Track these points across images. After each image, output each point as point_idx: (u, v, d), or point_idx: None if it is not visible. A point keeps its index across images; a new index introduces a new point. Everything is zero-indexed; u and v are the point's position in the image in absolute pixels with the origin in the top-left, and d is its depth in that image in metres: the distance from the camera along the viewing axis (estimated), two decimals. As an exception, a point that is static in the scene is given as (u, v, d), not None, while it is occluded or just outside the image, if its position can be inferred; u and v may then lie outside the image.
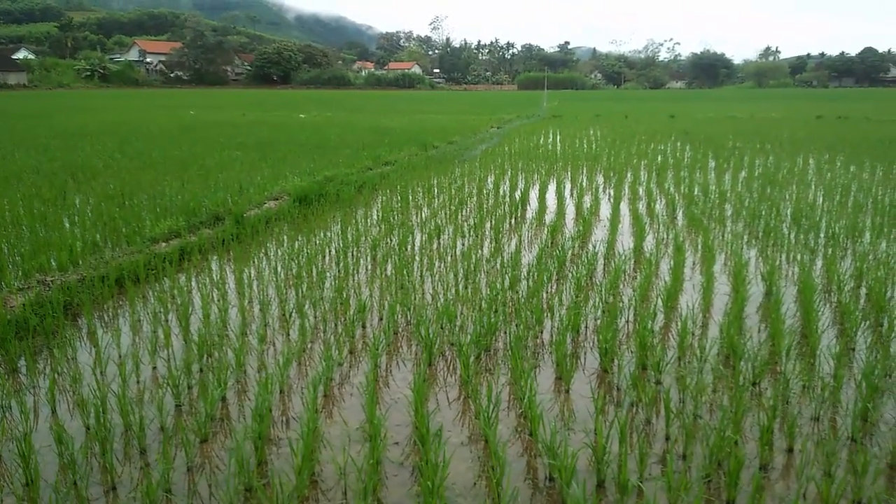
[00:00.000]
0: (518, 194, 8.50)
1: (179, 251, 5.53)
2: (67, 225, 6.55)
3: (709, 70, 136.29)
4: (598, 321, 4.06)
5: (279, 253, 5.73)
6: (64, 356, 3.61)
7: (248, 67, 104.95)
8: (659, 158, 12.54)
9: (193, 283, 4.92)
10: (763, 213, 7.17)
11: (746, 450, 2.74)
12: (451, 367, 3.56)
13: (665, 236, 6.33)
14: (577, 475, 2.50)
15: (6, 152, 12.43)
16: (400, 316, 4.14)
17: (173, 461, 2.61)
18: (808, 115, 27.07)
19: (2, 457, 2.66)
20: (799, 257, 5.67)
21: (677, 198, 8.37)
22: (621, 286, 4.75)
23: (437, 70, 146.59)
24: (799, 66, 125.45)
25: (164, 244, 5.83)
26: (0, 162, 10.96)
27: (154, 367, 3.51)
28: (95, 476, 2.54)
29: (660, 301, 4.27)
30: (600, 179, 10.10)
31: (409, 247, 5.84)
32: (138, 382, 3.33)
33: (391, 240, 6.20)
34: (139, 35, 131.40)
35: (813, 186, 9.13)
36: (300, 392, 3.25)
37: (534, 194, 8.65)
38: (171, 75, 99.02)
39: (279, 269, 5.29)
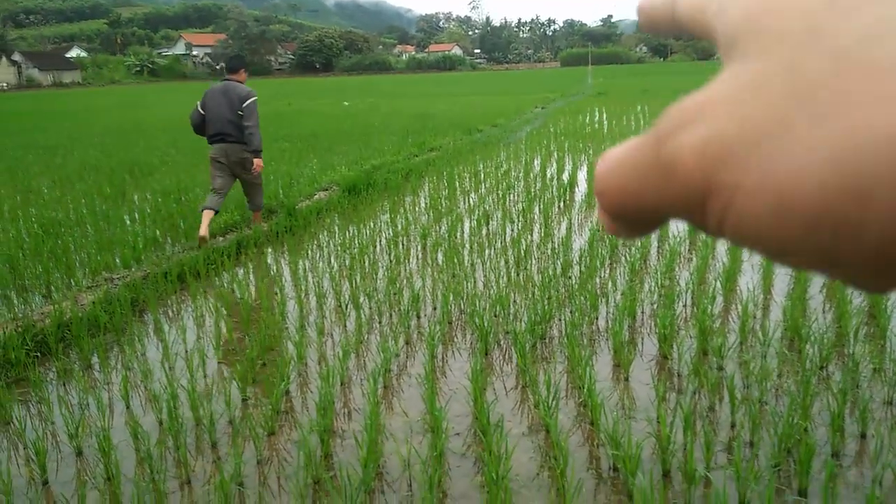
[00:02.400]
0: (566, 176, 8.41)
1: (236, 245, 5.67)
2: (128, 221, 6.79)
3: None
4: (655, 306, 4.01)
5: (331, 244, 5.81)
6: (133, 352, 3.75)
7: (291, 56, 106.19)
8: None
9: (251, 277, 5.05)
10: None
11: (816, 436, 2.68)
12: (506, 356, 3.57)
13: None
14: (642, 465, 2.49)
15: (66, 150, 12.92)
16: (453, 305, 4.17)
17: (243, 455, 2.70)
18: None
19: (83, 452, 2.79)
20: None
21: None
22: (677, 269, 4.67)
23: (478, 50, 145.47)
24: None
25: (221, 238, 5.99)
26: (61, 160, 11.40)
27: (219, 362, 3.62)
28: (171, 470, 2.65)
29: (718, 283, 4.18)
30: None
31: (458, 234, 5.85)
32: (205, 377, 3.45)
33: (440, 227, 6.22)
34: (185, 28, 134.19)
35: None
36: (360, 384, 3.31)
37: (582, 176, 8.54)
38: (217, 67, 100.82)
39: (332, 260, 5.37)
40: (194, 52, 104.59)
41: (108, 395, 3.29)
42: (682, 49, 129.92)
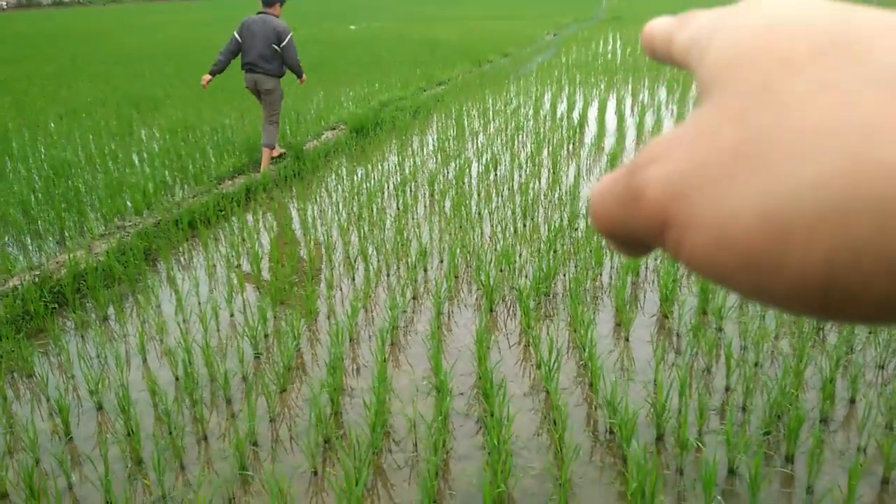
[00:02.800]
0: (576, 115, 8.30)
1: (245, 190, 5.70)
2: (137, 162, 6.81)
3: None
4: (658, 261, 4.05)
5: (340, 189, 5.83)
6: (148, 303, 3.86)
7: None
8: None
9: (261, 224, 5.10)
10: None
11: (807, 399, 2.77)
12: (511, 312, 3.66)
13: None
14: (637, 428, 2.60)
15: (71, 80, 12.77)
16: (460, 259, 4.23)
17: (256, 411, 2.83)
18: None
19: (103, 406, 2.93)
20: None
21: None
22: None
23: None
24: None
25: (229, 182, 6.01)
26: (66, 93, 11.29)
27: (231, 315, 3.73)
28: (188, 426, 2.79)
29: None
30: (663, 94, 9.71)
31: (465, 180, 5.84)
32: (218, 331, 3.56)
33: (447, 172, 6.21)
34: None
35: None
36: (368, 339, 3.41)
37: (592, 114, 8.41)
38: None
39: (340, 206, 5.41)
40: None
41: (125, 349, 3.41)
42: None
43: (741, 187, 0.17)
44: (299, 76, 6.35)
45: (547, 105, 9.07)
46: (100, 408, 2.92)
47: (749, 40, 0.19)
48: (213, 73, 6.20)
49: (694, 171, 0.18)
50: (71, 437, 2.75)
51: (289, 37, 5.99)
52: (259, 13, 6.03)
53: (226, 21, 32.18)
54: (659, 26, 0.26)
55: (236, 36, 6.01)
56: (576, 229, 4.69)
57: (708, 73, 0.20)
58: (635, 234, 0.21)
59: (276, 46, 5.95)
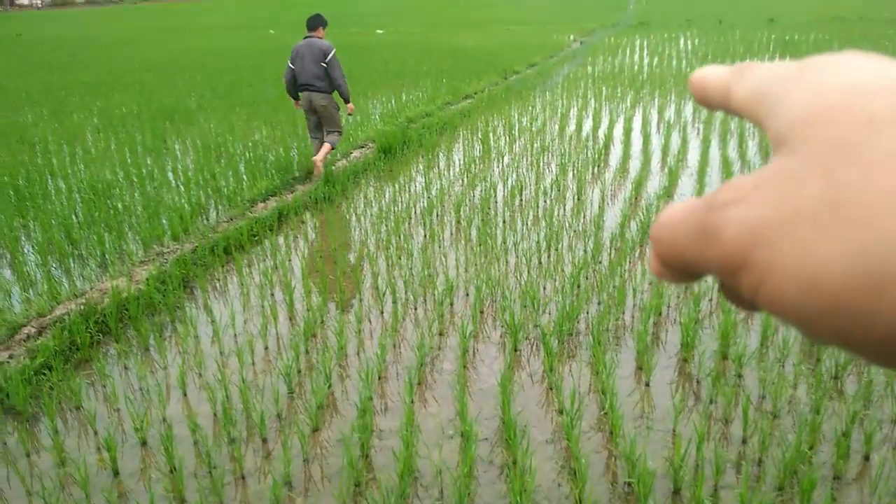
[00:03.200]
0: (602, 134, 8.36)
1: (277, 214, 5.87)
2: (172, 180, 7.03)
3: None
4: (680, 303, 4.13)
5: (368, 214, 5.98)
6: (187, 334, 4.04)
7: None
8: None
9: (292, 251, 5.27)
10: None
11: (822, 452, 2.85)
12: (534, 351, 3.77)
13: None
14: (656, 480, 2.70)
15: (107, 90, 13.12)
16: (486, 295, 4.35)
17: (290, 451, 2.98)
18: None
19: (147, 442, 3.11)
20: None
21: (771, 136, 8.01)
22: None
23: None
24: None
25: (261, 205, 6.20)
26: (103, 102, 11.61)
27: (266, 348, 3.89)
28: (227, 464, 2.95)
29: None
30: (689, 111, 9.72)
31: (491, 207, 5.96)
32: (253, 364, 3.72)
33: (473, 195, 6.33)
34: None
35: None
36: (396, 378, 3.55)
37: (618, 133, 8.47)
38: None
39: (369, 231, 5.56)
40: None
41: (166, 381, 3.59)
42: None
43: (833, 238, 0.17)
44: (346, 101, 6.80)
45: (572, 123, 9.14)
46: (144, 443, 3.09)
47: (829, 97, 0.20)
48: (294, 98, 6.88)
49: (780, 218, 0.19)
50: (117, 472, 2.93)
51: (332, 53, 6.54)
52: (305, 38, 6.65)
53: (246, 28, 32.63)
54: (713, 77, 0.27)
55: (290, 64, 6.63)
56: (599, 262, 4.78)
57: (785, 126, 0.21)
58: (699, 268, 0.22)
59: (323, 64, 6.50)
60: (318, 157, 6.79)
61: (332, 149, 6.96)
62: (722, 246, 0.20)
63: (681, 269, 0.23)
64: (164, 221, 5.77)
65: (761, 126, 0.23)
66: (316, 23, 6.67)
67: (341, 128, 7.00)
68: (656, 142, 8.05)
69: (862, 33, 19.09)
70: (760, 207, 0.19)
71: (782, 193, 0.19)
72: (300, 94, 6.70)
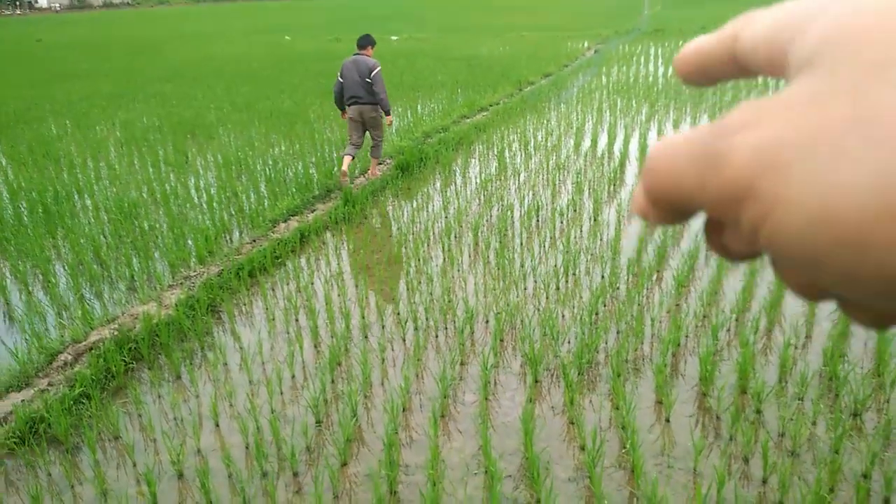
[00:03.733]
0: (617, 149, 8.42)
1: (299, 235, 5.99)
2: (196, 199, 7.17)
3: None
4: (699, 334, 4.20)
5: (388, 235, 6.09)
6: (217, 360, 4.16)
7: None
8: (771, 93, 11.82)
9: (315, 275, 5.38)
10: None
11: (843, 495, 2.92)
12: (555, 382, 3.85)
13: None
14: (676, 520, 2.78)
15: (128, 101, 13.33)
16: (506, 323, 4.43)
17: (321, 485, 3.08)
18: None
19: (184, 474, 3.22)
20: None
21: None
22: (724, 286, 4.81)
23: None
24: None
25: (283, 225, 6.32)
26: (125, 115, 11.81)
27: (293, 376, 4.00)
28: (259, 498, 3.06)
29: (763, 312, 4.33)
30: (704, 123, 9.73)
31: (508, 228, 6.04)
32: (282, 394, 3.83)
33: (490, 216, 6.42)
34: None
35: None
36: (420, 409, 3.65)
37: (633, 148, 8.53)
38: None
39: (390, 254, 5.66)
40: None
41: (198, 411, 3.70)
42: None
43: (857, 161, 0.16)
44: (387, 113, 7.37)
45: (588, 138, 9.20)
46: (180, 475, 3.21)
47: (864, 18, 0.18)
48: (341, 109, 7.58)
49: (798, 138, 0.17)
50: (156, 505, 3.04)
51: (377, 70, 7.20)
52: (354, 55, 7.37)
53: (262, 33, 32.88)
54: (707, 40, 0.26)
55: (339, 78, 7.37)
56: (616, 289, 4.85)
57: (810, 50, 0.19)
58: (693, 202, 0.20)
59: (368, 80, 7.17)
60: (371, 173, 7.73)
61: (379, 162, 7.87)
62: (728, 173, 0.19)
63: (672, 204, 0.21)
64: (189, 242, 5.91)
65: (776, 69, 0.22)
66: (365, 42, 7.41)
67: (384, 138, 7.79)
68: (672, 159, 8.09)
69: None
70: (777, 129, 0.18)
71: (804, 115, 0.18)
72: (347, 105, 7.35)
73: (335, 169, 7.81)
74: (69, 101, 13.63)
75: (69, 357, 4.10)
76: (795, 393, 3.57)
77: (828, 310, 4.44)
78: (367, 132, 7.53)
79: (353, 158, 7.47)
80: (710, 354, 3.76)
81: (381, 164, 8.22)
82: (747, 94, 11.86)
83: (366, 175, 7.89)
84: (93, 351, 4.14)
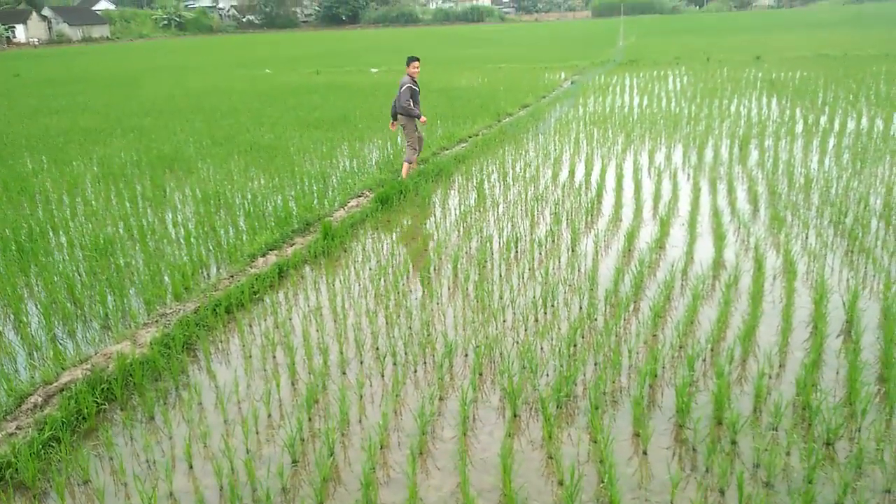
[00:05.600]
0: (594, 181, 8.52)
1: (278, 270, 5.96)
2: (173, 234, 7.13)
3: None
4: (676, 364, 4.23)
5: (367, 269, 6.08)
6: (191, 400, 4.10)
7: (317, 8, 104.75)
8: (742, 123, 12.10)
9: (293, 311, 5.35)
10: (850, 204, 6.99)
11: (817, 525, 2.93)
12: (533, 415, 3.84)
13: (746, 241, 6.30)
14: (654, 556, 2.76)
15: (106, 136, 13.28)
16: (484, 354, 4.43)
17: (297, 527, 3.03)
18: (911, 48, 25.01)
19: (157, 519, 3.16)
20: (886, 264, 5.60)
21: (760, 180, 8.20)
22: (700, 315, 4.86)
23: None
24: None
25: (261, 260, 6.29)
26: (102, 150, 11.76)
27: (269, 415, 3.95)
28: (235, 542, 3.00)
29: (737, 342, 4.38)
30: (678, 156, 9.92)
31: (487, 259, 6.07)
32: (257, 433, 3.78)
33: (470, 247, 6.45)
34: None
35: (909, 164, 8.69)
36: (398, 447, 3.61)
37: (610, 179, 8.64)
38: (244, 20, 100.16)
39: (369, 287, 5.65)
40: (220, 5, 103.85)
41: (172, 453, 3.64)
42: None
43: None
44: (418, 117, 8.89)
45: (565, 169, 9.31)
46: (152, 520, 3.14)
47: None
48: (393, 119, 9.21)
49: None
50: (127, 552, 2.97)
51: (404, 87, 8.80)
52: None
53: (243, 66, 33.04)
54: None
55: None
56: (594, 320, 4.88)
57: None
58: None
59: (399, 94, 8.84)
60: (404, 174, 8.91)
61: (410, 165, 9.04)
62: None
63: None
64: (166, 279, 5.86)
65: None
66: (407, 62, 9.01)
67: (419, 145, 9.17)
68: (648, 189, 8.22)
69: (846, 70, 19.53)
70: None
71: None
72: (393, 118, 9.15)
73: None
74: (46, 136, 13.56)
75: (39, 399, 4.02)
76: (770, 423, 3.60)
77: (800, 339, 4.50)
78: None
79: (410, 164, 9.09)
80: (687, 385, 3.78)
81: (414, 164, 9.19)
82: (721, 123, 12.11)
83: (398, 177, 9.08)
84: (64, 392, 4.07)
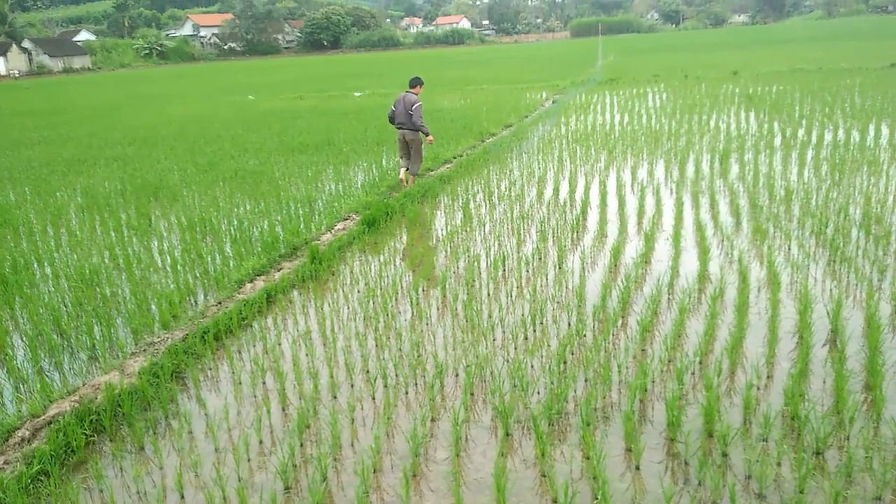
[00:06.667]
0: (578, 198, 8.60)
1: (266, 295, 5.95)
2: (160, 263, 7.10)
3: (773, 1, 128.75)
4: (665, 378, 4.26)
5: (355, 291, 6.09)
6: (182, 429, 4.07)
7: (299, 34, 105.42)
8: (722, 137, 12.29)
9: (282, 336, 5.33)
10: (830, 215, 7.11)
11: (810, 534, 2.95)
12: (526, 433, 3.85)
13: (729, 253, 6.38)
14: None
15: (89, 166, 13.23)
16: (475, 374, 4.44)
17: (292, 555, 3.01)
18: (880, 61, 25.60)
19: (149, 551, 3.12)
20: (868, 272, 5.69)
21: (741, 194, 8.32)
22: (687, 328, 4.90)
23: (486, 22, 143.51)
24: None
25: (249, 285, 6.28)
26: (86, 180, 11.71)
27: (261, 442, 3.93)
28: (229, 572, 2.97)
29: (724, 354, 4.42)
30: (660, 171, 10.05)
31: (475, 279, 6.10)
32: (249, 461, 3.75)
33: (457, 267, 6.48)
34: (191, 7, 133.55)
35: (884, 174, 8.87)
36: (391, 469, 3.60)
37: (594, 196, 8.73)
38: (225, 47, 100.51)
39: (357, 310, 5.66)
40: (202, 33, 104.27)
41: (162, 483, 3.60)
42: (694, 15, 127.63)
43: None
44: (426, 135, 9.63)
45: (549, 187, 9.40)
46: (144, 553, 3.10)
47: None
48: (392, 123, 9.92)
49: None
50: (119, 586, 2.93)
51: (416, 105, 9.55)
52: (405, 92, 9.79)
53: (225, 93, 33.09)
54: None
55: (392, 107, 9.84)
56: (583, 336, 4.91)
57: None
58: None
59: (410, 112, 9.50)
60: (409, 184, 9.82)
61: (416, 175, 9.94)
62: None
63: None
64: (153, 307, 5.83)
65: None
66: (413, 83, 9.86)
67: (423, 157, 10.18)
68: (631, 204, 8.31)
69: (821, 83, 19.92)
70: None
71: None
72: (397, 128, 9.77)
73: (390, 182, 10.03)
74: (28, 167, 13.49)
75: (27, 433, 3.97)
76: (759, 434, 3.63)
77: (787, 349, 4.55)
78: (409, 151, 9.78)
79: (407, 169, 9.87)
80: (676, 399, 3.81)
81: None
82: (701, 138, 12.29)
83: (406, 185, 9.91)
84: (52, 425, 4.02)
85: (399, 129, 9.71)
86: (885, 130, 11.89)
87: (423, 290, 5.98)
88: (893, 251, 6.12)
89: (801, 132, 12.32)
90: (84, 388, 4.50)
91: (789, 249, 6.39)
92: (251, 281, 6.41)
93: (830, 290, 5.46)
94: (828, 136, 11.71)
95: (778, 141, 11.70)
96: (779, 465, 3.40)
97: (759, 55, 34.86)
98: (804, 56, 31.45)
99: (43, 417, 4.14)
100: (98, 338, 5.33)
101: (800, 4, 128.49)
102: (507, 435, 3.83)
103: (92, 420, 4.10)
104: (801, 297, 5.12)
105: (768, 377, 4.22)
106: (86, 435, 3.97)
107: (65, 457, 3.82)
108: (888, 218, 6.96)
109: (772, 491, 3.22)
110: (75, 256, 7.36)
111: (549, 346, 4.83)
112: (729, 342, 4.51)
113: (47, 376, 4.80)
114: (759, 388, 4.09)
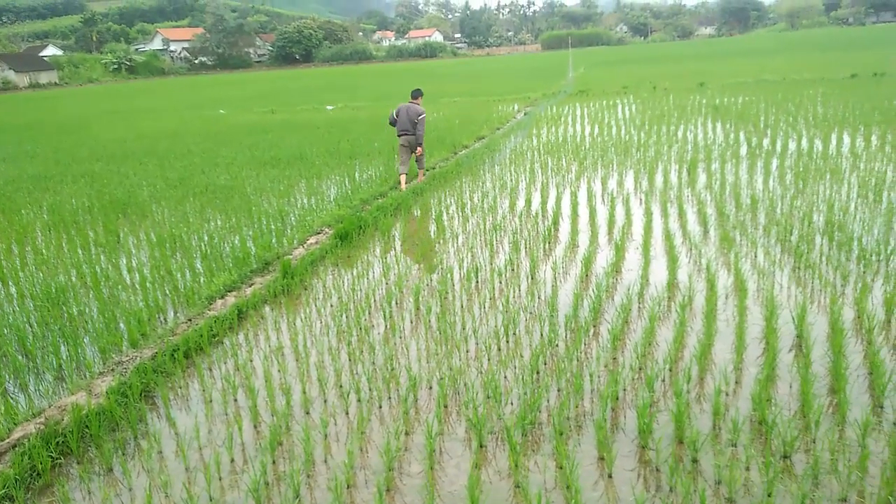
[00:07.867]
0: (550, 209, 8.68)
1: (237, 311, 5.89)
2: (128, 280, 6.99)
3: (738, 13, 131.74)
4: (636, 386, 4.31)
5: (328, 306, 6.06)
6: (151, 449, 4.00)
7: (270, 48, 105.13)
8: (689, 147, 12.51)
9: (254, 352, 5.28)
10: (794, 222, 7.27)
11: (778, 537, 2.99)
12: (500, 444, 3.86)
13: (698, 262, 6.49)
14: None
15: (57, 183, 13.01)
16: (448, 385, 4.44)
17: (264, 574, 2.97)
18: (842, 72, 26.32)
19: (117, 575, 3.05)
20: (831, 278, 5.82)
21: (708, 203, 8.47)
22: (657, 336, 4.96)
23: (458, 35, 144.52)
24: (833, 2, 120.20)
25: (220, 301, 6.22)
26: (52, 197, 11.51)
27: (232, 460, 3.88)
28: None
29: (694, 361, 4.49)
30: (630, 181, 10.19)
31: (448, 291, 6.11)
32: (220, 479, 3.70)
33: (431, 279, 6.48)
34: (160, 22, 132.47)
35: (846, 182, 9.10)
36: (365, 485, 3.58)
37: (566, 206, 8.81)
38: (196, 61, 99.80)
39: (330, 324, 5.63)
40: (171, 48, 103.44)
41: (132, 505, 3.54)
42: (661, 28, 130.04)
43: None
44: (419, 145, 10.69)
45: (522, 198, 9.47)
46: (112, 577, 3.04)
47: None
48: (393, 126, 10.97)
49: None
50: None
51: (421, 117, 10.65)
52: (409, 102, 10.88)
53: (195, 108, 32.87)
54: None
55: (394, 115, 10.83)
56: (556, 346, 4.94)
57: None
58: None
59: (415, 121, 10.59)
60: (419, 179, 11.11)
61: (423, 169, 11.36)
62: None
63: None
64: (121, 326, 5.74)
65: None
66: (416, 94, 10.94)
67: (424, 156, 11.24)
68: (602, 214, 8.41)
69: (785, 94, 20.41)
70: None
71: None
72: (399, 136, 10.74)
73: (395, 186, 10.86)
74: (-7, 184, 13.21)
75: (-10, 457, 3.87)
76: (729, 439, 3.68)
77: (754, 355, 4.63)
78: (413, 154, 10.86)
79: (405, 175, 10.68)
80: (647, 406, 3.85)
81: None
82: (669, 148, 12.50)
83: (416, 180, 11.06)
84: (16, 448, 3.93)
85: (402, 135, 10.63)
86: (846, 139, 12.21)
87: (397, 303, 5.98)
88: (856, 257, 6.28)
89: (766, 142, 12.60)
90: (50, 409, 4.41)
91: (755, 257, 6.52)
92: (222, 297, 6.34)
93: (795, 295, 5.57)
94: (792, 146, 12.00)
95: (744, 150, 11.94)
96: (748, 469, 3.45)
97: (726, 66, 35.61)
98: (769, 67, 32.21)
99: (7, 441, 4.04)
100: (65, 358, 5.23)
101: (764, 17, 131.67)
102: (481, 447, 3.83)
103: (58, 442, 4.01)
104: (768, 304, 5.22)
105: (736, 383, 4.29)
106: (52, 457, 3.89)
107: (30, 481, 3.73)
108: (850, 225, 7.14)
109: (741, 495, 3.27)
110: (41, 275, 7.22)
111: (521, 356, 4.85)
112: (698, 349, 4.58)
113: (12, 398, 4.69)
114: (727, 394, 4.15)
